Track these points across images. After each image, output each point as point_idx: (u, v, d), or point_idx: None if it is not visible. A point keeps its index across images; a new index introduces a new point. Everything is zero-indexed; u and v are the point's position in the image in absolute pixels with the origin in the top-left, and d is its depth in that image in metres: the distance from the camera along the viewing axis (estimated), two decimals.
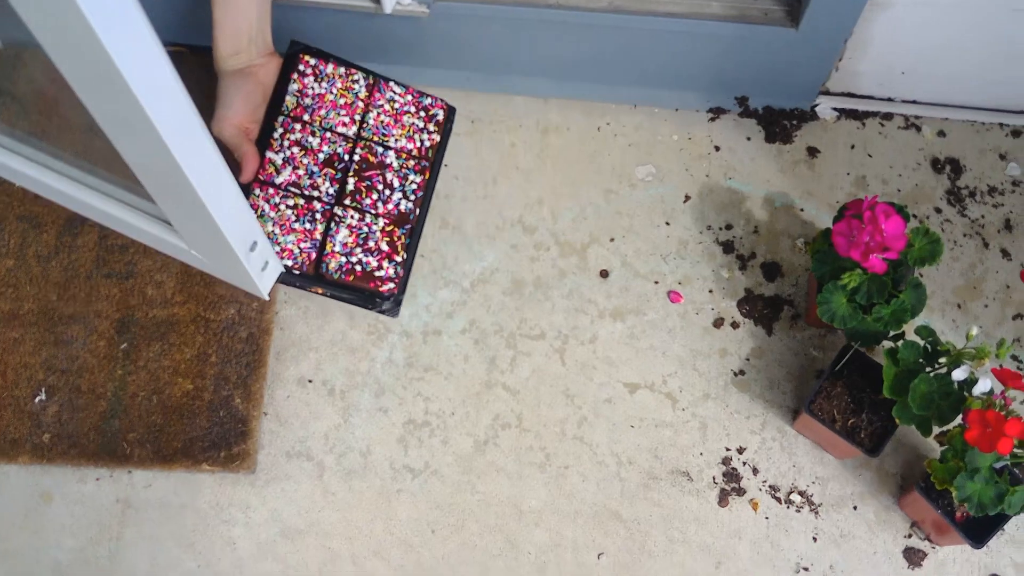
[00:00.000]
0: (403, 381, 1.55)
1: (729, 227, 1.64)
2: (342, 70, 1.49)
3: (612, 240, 1.63)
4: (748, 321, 1.59)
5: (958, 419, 1.30)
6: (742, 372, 1.57)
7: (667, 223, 1.64)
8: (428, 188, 1.52)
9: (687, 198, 1.66)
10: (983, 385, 1.27)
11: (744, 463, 1.52)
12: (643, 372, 1.57)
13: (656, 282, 1.61)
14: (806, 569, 1.48)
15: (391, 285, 1.45)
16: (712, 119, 1.71)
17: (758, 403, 1.55)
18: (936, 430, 1.35)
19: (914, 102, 1.70)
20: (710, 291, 1.61)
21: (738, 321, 1.59)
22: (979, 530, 1.38)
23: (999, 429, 1.20)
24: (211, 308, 1.53)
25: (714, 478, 1.52)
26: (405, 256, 1.47)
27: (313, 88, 1.47)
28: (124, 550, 1.47)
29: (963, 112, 1.70)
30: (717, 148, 1.69)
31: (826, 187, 1.67)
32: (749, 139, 1.69)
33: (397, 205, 1.48)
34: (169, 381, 1.51)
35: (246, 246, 1.09)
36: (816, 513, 1.50)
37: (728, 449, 1.53)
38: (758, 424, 1.54)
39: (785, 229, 1.64)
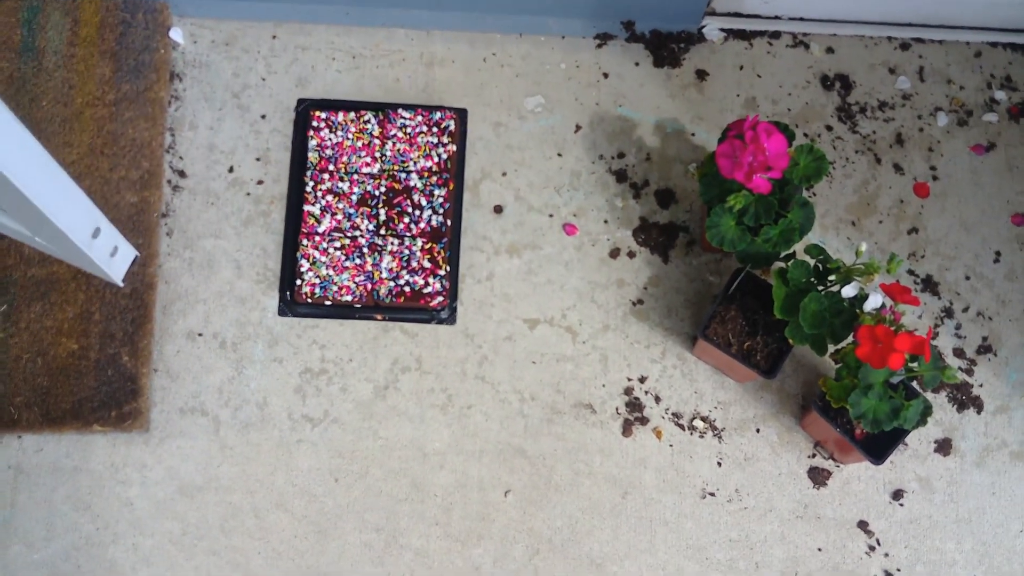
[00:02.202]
0: (297, 330, 1.52)
1: (621, 155, 1.62)
2: (352, 115, 1.58)
3: (504, 175, 1.61)
4: (644, 250, 1.58)
5: (851, 337, 1.30)
6: (640, 301, 1.56)
7: (559, 154, 1.62)
8: (455, 197, 1.57)
9: (578, 128, 1.63)
10: (873, 301, 1.27)
11: (646, 392, 1.52)
12: (542, 307, 1.55)
13: (551, 215, 1.59)
14: (712, 494, 1.48)
15: (440, 299, 1.51)
16: (599, 45, 1.68)
17: (657, 331, 1.54)
18: (831, 349, 1.35)
19: (801, 19, 1.69)
20: (605, 221, 1.59)
21: (634, 250, 1.58)
22: (880, 447, 1.38)
23: (889, 344, 1.20)
24: None
25: (617, 409, 1.51)
26: (448, 268, 1.52)
27: (330, 139, 1.57)
28: (18, 516, 1.43)
29: (851, 27, 1.69)
30: (606, 75, 1.66)
31: (716, 110, 1.65)
32: (637, 64, 1.67)
33: (429, 222, 1.54)
34: (53, 342, 1.46)
35: (87, 234, 1.04)
36: (719, 438, 1.50)
37: (630, 379, 1.52)
38: (658, 352, 1.54)
39: (677, 155, 1.62)
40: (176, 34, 1.62)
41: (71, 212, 1.01)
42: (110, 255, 1.10)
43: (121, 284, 1.23)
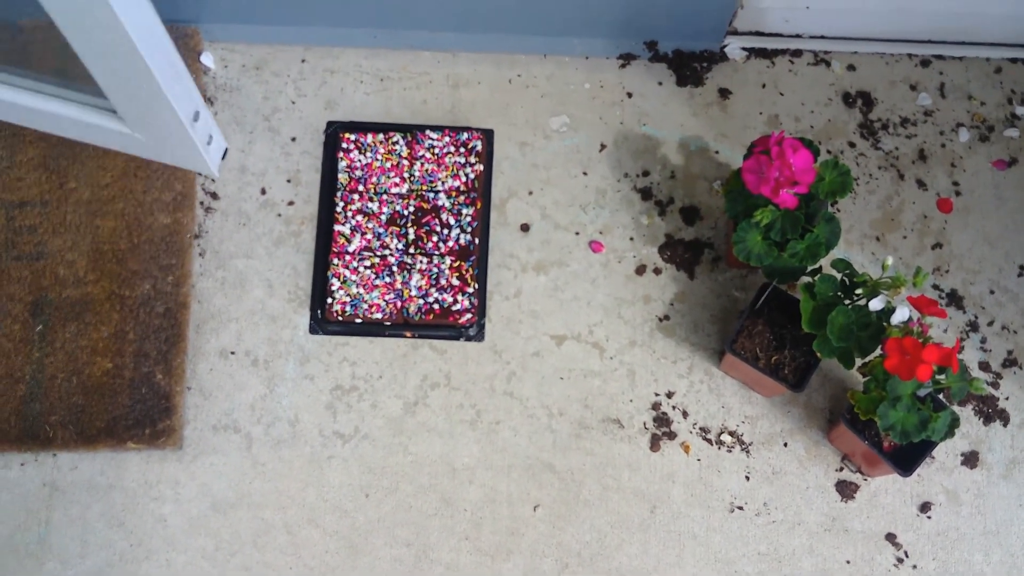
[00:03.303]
0: (327, 347, 1.54)
1: (646, 173, 1.64)
2: (381, 136, 1.61)
3: (531, 193, 1.63)
4: (670, 266, 1.59)
5: (879, 350, 1.31)
6: (667, 317, 1.57)
7: (584, 173, 1.64)
8: (483, 216, 1.59)
9: (603, 147, 1.65)
10: (900, 314, 1.28)
11: (674, 407, 1.53)
12: (569, 323, 1.57)
13: (577, 233, 1.61)
14: (740, 508, 1.49)
15: (468, 316, 1.54)
16: (623, 65, 1.70)
17: (684, 347, 1.56)
18: (858, 362, 1.36)
19: (822, 37, 1.70)
20: (631, 239, 1.61)
21: (660, 267, 1.59)
22: (907, 459, 1.39)
23: (917, 356, 1.21)
24: (125, 285, 1.51)
25: (645, 424, 1.52)
26: (476, 286, 1.55)
27: (360, 160, 1.59)
28: (53, 533, 1.45)
29: (871, 45, 1.71)
30: (629, 95, 1.68)
31: (739, 128, 1.67)
32: (661, 84, 1.69)
33: (457, 240, 1.57)
34: (88, 361, 1.48)
35: (190, 116, 1.07)
36: (747, 452, 1.51)
37: (657, 394, 1.54)
38: (685, 368, 1.55)
39: (701, 172, 1.64)
40: (207, 59, 1.64)
41: (181, 92, 1.03)
42: (207, 143, 1.12)
43: (216, 175, 1.22)
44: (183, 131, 1.08)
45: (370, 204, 1.57)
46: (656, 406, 1.53)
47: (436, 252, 1.55)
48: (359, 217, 1.57)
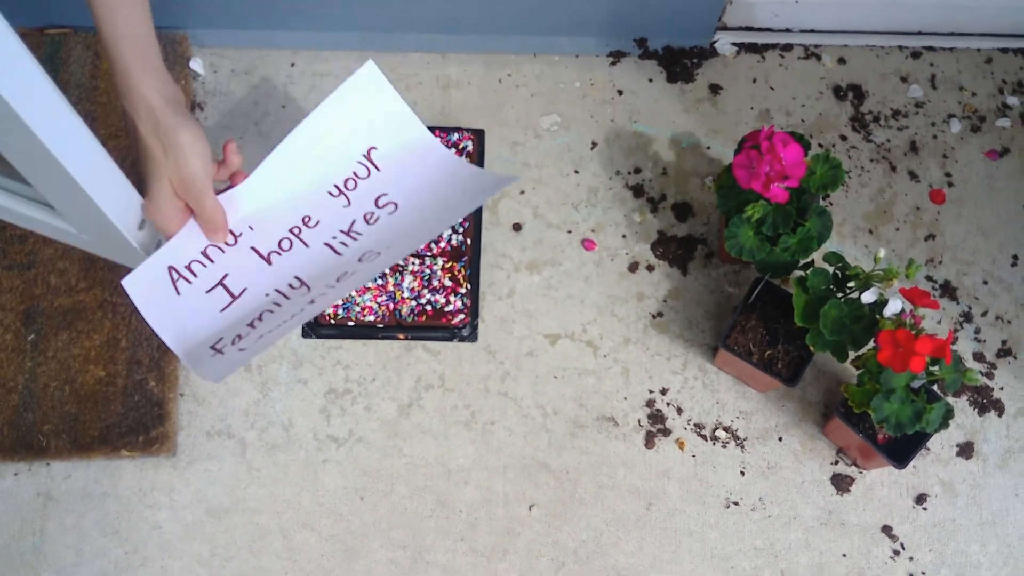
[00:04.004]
0: (320, 351, 1.54)
1: (638, 171, 1.64)
2: None
3: (522, 192, 1.62)
4: (663, 263, 1.59)
5: (872, 342, 1.30)
6: (660, 314, 1.57)
7: (576, 171, 1.64)
8: (474, 216, 1.58)
9: (594, 145, 1.65)
10: (893, 306, 1.28)
11: (668, 404, 1.53)
12: (562, 322, 1.56)
13: (569, 231, 1.61)
14: (736, 503, 1.49)
15: (461, 316, 1.53)
16: (613, 63, 1.70)
17: (678, 343, 1.55)
18: (852, 355, 1.35)
19: (812, 31, 1.70)
20: (623, 236, 1.60)
21: (653, 264, 1.59)
22: (902, 451, 1.39)
23: (910, 348, 1.21)
24: (117, 292, 1.51)
25: (639, 421, 1.52)
26: (469, 286, 1.54)
27: None
28: (48, 543, 1.45)
29: (861, 37, 1.71)
30: (620, 92, 1.68)
31: (731, 123, 1.66)
32: (651, 81, 1.69)
33: (449, 241, 1.56)
34: (80, 369, 1.48)
35: (133, 226, 1.06)
36: (742, 447, 1.51)
37: (651, 391, 1.53)
38: (679, 364, 1.55)
39: (693, 169, 1.64)
40: (196, 64, 1.64)
41: (121, 204, 1.02)
42: (155, 248, 1.10)
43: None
44: (126, 241, 1.06)
45: None
46: (650, 403, 1.53)
47: (428, 253, 1.55)
48: None
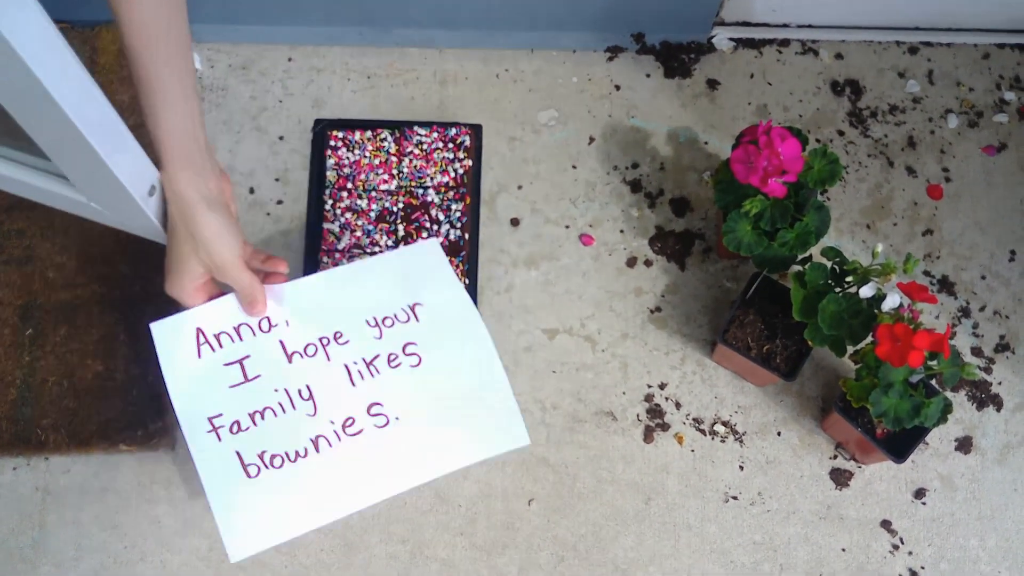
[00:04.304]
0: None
1: (635, 166, 1.64)
2: (369, 133, 1.60)
3: (520, 188, 1.62)
4: (661, 258, 1.59)
5: (870, 337, 1.31)
6: (658, 309, 1.57)
7: (574, 166, 1.64)
8: (472, 211, 1.58)
9: (591, 140, 1.65)
10: (891, 300, 1.28)
11: (666, 398, 1.53)
12: (561, 317, 1.56)
13: (567, 227, 1.61)
14: (735, 498, 1.49)
15: None
16: (610, 58, 1.70)
17: (676, 338, 1.55)
18: (850, 350, 1.36)
19: (809, 26, 1.70)
20: (621, 231, 1.60)
21: (651, 259, 1.59)
22: (901, 445, 1.39)
23: (908, 342, 1.21)
24: (115, 286, 1.50)
25: (638, 416, 1.52)
26: (467, 281, 1.54)
27: (348, 158, 1.59)
28: (47, 538, 1.45)
29: (859, 33, 1.71)
30: (617, 87, 1.68)
31: (728, 118, 1.67)
32: (649, 76, 1.69)
33: (447, 236, 1.56)
34: (79, 364, 1.48)
35: (144, 191, 1.06)
36: (741, 442, 1.51)
37: (650, 386, 1.53)
38: (677, 359, 1.55)
39: (691, 164, 1.64)
40: (194, 60, 1.64)
41: (134, 169, 1.03)
42: (163, 216, 1.12)
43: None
44: (136, 206, 1.07)
45: (359, 201, 1.57)
46: (649, 398, 1.53)
47: None
48: (348, 215, 1.56)
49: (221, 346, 1.22)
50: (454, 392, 1.26)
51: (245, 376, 1.22)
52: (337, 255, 1.54)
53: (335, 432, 1.22)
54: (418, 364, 1.26)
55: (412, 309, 1.29)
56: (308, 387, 1.23)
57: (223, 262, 1.11)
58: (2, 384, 1.47)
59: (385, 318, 1.27)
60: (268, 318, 1.23)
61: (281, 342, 1.24)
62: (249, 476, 1.20)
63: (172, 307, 1.21)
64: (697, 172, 1.63)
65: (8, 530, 1.45)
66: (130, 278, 1.51)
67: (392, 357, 1.26)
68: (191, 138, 1.06)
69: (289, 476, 1.21)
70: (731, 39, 1.70)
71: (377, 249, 1.55)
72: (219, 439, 1.20)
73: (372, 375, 1.25)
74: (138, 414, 1.46)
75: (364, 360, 1.25)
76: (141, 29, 1.00)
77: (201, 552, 1.45)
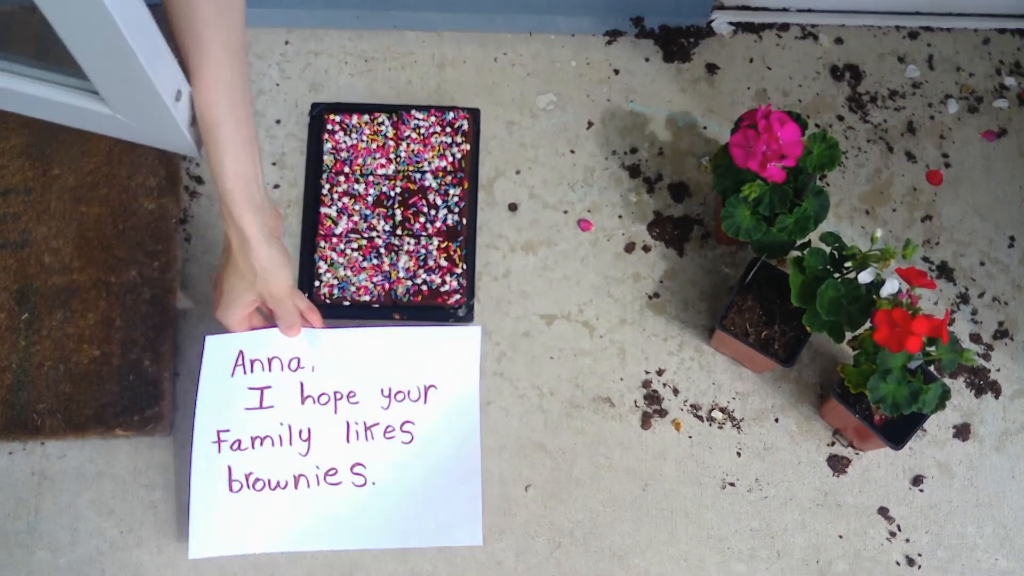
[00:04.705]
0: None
1: (634, 151, 1.63)
2: (366, 117, 1.60)
3: (518, 172, 1.62)
4: (659, 243, 1.59)
5: (868, 323, 1.30)
6: (656, 295, 1.57)
7: (572, 151, 1.63)
8: (470, 196, 1.58)
9: (590, 124, 1.64)
10: (890, 286, 1.27)
11: (664, 384, 1.52)
12: (558, 303, 1.56)
13: (565, 212, 1.60)
14: (732, 484, 1.49)
15: (457, 296, 1.53)
16: (609, 42, 1.69)
17: (674, 324, 1.55)
18: (848, 336, 1.35)
19: (809, 10, 1.70)
20: (619, 216, 1.60)
21: (649, 244, 1.59)
22: (899, 432, 1.38)
23: (906, 328, 1.21)
24: (111, 271, 1.50)
25: (635, 402, 1.52)
26: (465, 266, 1.54)
27: (345, 142, 1.58)
28: (43, 522, 1.45)
29: (859, 17, 1.70)
30: (616, 72, 1.67)
31: (727, 103, 1.66)
32: (648, 60, 1.68)
33: (445, 221, 1.56)
34: (75, 349, 1.47)
35: (172, 95, 1.07)
36: (738, 428, 1.51)
37: (647, 372, 1.53)
38: (675, 345, 1.54)
39: (689, 149, 1.63)
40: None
41: (163, 71, 1.03)
42: (190, 123, 1.12)
43: (198, 154, 1.22)
44: (166, 111, 1.07)
45: (356, 186, 1.56)
46: (647, 384, 1.53)
47: (424, 233, 1.54)
48: (345, 199, 1.56)
49: (252, 371, 1.39)
50: (432, 478, 1.39)
51: (261, 403, 1.37)
52: (335, 239, 1.54)
53: (316, 476, 1.37)
54: (410, 441, 1.41)
55: (426, 390, 1.42)
56: (309, 430, 1.39)
57: (279, 291, 1.26)
58: None
59: (398, 392, 1.42)
60: (298, 359, 1.39)
61: (301, 384, 1.40)
62: (231, 491, 1.35)
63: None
64: (696, 157, 1.63)
65: (4, 515, 1.45)
66: (126, 262, 1.51)
67: (389, 429, 1.40)
68: (254, 180, 1.15)
69: (265, 501, 1.35)
70: (730, 23, 1.69)
71: (374, 234, 1.54)
72: (219, 451, 1.36)
73: (367, 439, 1.40)
74: (134, 399, 1.46)
75: (365, 423, 1.40)
76: (217, 86, 1.09)
77: None
